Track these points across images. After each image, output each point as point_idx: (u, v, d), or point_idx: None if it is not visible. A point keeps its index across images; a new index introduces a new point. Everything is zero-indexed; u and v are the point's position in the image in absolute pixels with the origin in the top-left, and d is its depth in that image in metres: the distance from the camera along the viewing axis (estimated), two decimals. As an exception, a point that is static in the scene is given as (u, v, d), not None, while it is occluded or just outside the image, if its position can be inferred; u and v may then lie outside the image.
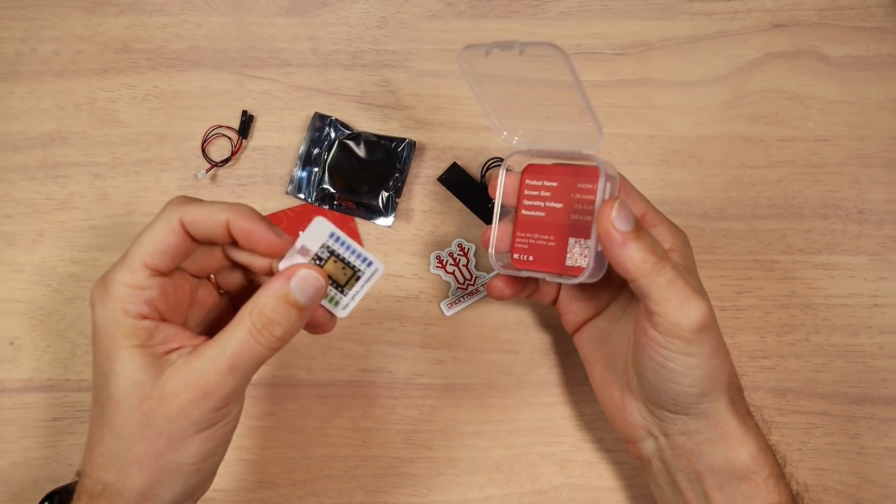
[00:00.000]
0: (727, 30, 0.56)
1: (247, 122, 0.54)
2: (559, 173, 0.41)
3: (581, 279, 0.39)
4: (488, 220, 0.53)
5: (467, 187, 0.53)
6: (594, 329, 0.45)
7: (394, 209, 0.53)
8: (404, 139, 0.53)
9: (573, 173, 0.41)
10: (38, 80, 0.55)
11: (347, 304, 0.38)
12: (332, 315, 0.38)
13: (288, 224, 0.53)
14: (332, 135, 0.53)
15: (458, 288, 0.51)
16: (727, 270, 0.52)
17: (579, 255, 0.40)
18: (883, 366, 0.51)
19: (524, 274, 0.42)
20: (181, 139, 0.54)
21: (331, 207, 0.53)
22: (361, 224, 0.53)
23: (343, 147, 0.53)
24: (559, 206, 0.41)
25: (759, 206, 0.53)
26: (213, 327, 0.39)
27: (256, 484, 0.49)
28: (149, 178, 0.53)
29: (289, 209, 0.53)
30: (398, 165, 0.53)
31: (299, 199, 0.53)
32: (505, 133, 0.43)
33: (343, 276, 0.38)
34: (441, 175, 0.53)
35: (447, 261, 0.52)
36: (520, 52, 0.36)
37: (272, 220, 0.52)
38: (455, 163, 0.53)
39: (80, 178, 0.53)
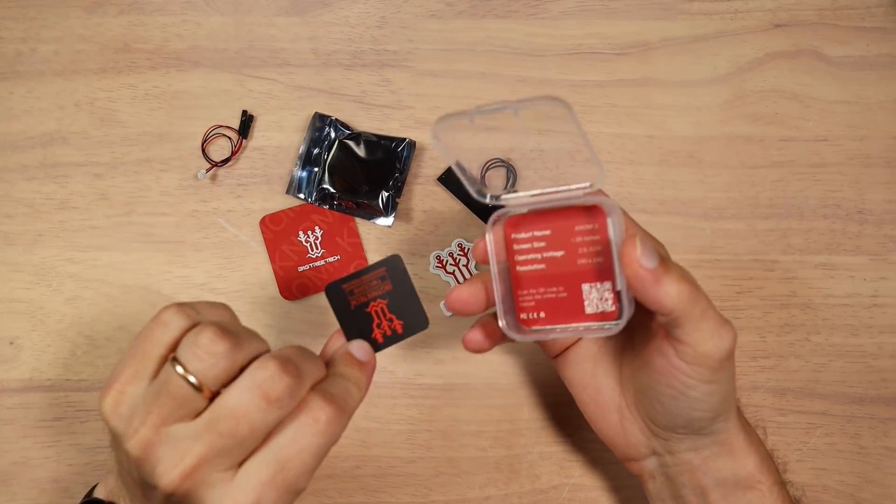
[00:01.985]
0: (727, 30, 0.56)
1: (247, 122, 0.54)
2: (549, 220, 0.38)
3: (623, 322, 0.35)
4: (487, 220, 0.53)
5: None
6: (579, 352, 0.43)
7: (394, 209, 0.53)
8: (404, 139, 0.53)
9: (565, 217, 0.37)
10: (38, 79, 0.55)
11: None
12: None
13: (288, 224, 0.53)
14: (332, 135, 0.53)
15: (458, 288, 0.51)
16: (727, 270, 0.52)
17: (599, 299, 0.37)
18: (883, 366, 0.51)
19: (551, 336, 0.38)
20: (181, 139, 0.54)
21: (331, 207, 0.53)
22: (361, 224, 0.53)
23: (343, 147, 0.53)
24: (560, 254, 0.38)
25: (759, 206, 0.53)
26: None
27: (256, 484, 0.49)
28: (149, 178, 0.53)
29: (289, 209, 0.53)
30: (398, 165, 0.53)
31: (299, 199, 0.53)
32: (489, 194, 0.39)
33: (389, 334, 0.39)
34: (441, 175, 0.53)
35: (447, 261, 0.52)
36: (515, 114, 0.33)
37: (272, 220, 0.52)
38: (457, 162, 0.53)
39: (80, 178, 0.53)
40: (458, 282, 0.52)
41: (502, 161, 0.53)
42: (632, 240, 0.34)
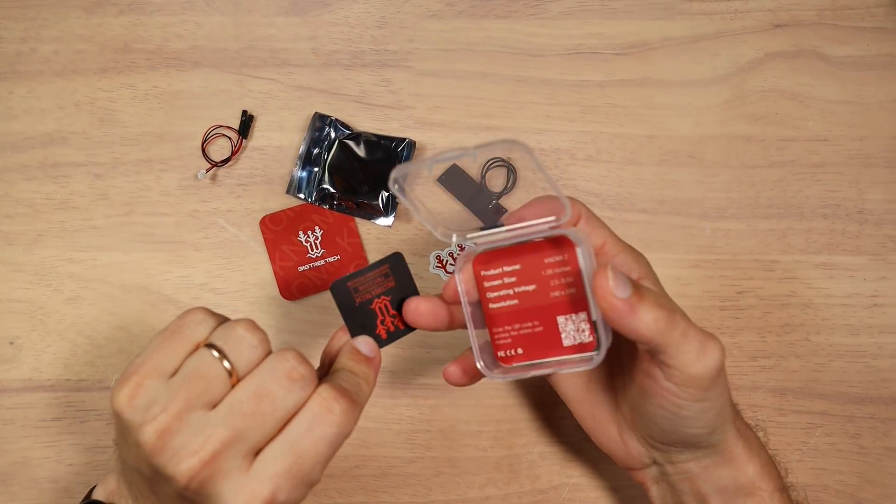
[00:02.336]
0: (727, 30, 0.56)
1: (247, 122, 0.54)
2: (517, 255, 0.37)
3: (602, 354, 0.35)
4: (488, 221, 0.53)
5: (467, 187, 0.53)
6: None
7: (394, 209, 0.53)
8: (404, 139, 0.53)
9: (534, 251, 0.37)
10: (38, 79, 0.55)
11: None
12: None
13: (288, 224, 0.53)
14: (332, 135, 0.53)
15: (458, 288, 0.51)
16: (727, 270, 0.52)
17: (575, 331, 0.37)
18: (883, 366, 0.51)
19: (530, 375, 0.37)
20: (181, 139, 0.54)
21: (331, 207, 0.53)
22: (361, 224, 0.53)
23: (343, 147, 0.53)
24: (532, 287, 0.37)
25: (759, 206, 0.53)
26: None
27: (256, 484, 0.49)
28: (149, 178, 0.53)
29: (289, 209, 0.53)
30: (398, 165, 0.53)
31: (299, 199, 0.53)
32: (454, 237, 0.38)
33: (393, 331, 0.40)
34: (441, 175, 0.53)
35: (447, 261, 0.52)
36: (473, 159, 0.33)
37: (272, 220, 0.53)
38: (455, 163, 0.54)
39: (80, 178, 0.53)
40: (458, 282, 0.51)
41: (502, 161, 0.53)
42: (603, 270, 0.33)
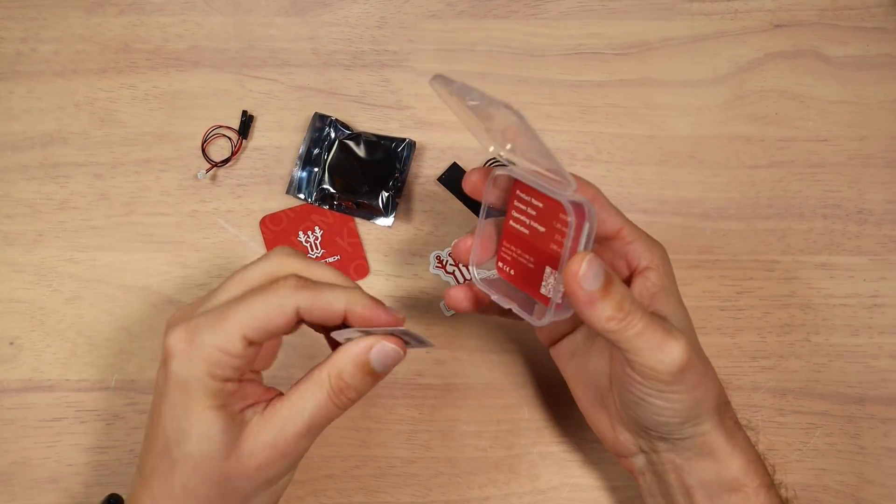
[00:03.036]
0: (727, 30, 0.56)
1: (247, 122, 0.54)
2: (545, 197, 0.38)
3: (543, 322, 0.37)
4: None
5: (467, 187, 0.53)
6: (571, 344, 0.44)
7: (394, 209, 0.53)
8: (404, 139, 0.53)
9: (557, 201, 0.38)
10: (38, 79, 0.55)
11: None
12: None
13: (288, 224, 0.53)
14: (332, 135, 0.53)
15: (458, 288, 0.51)
16: (727, 270, 0.52)
17: (554, 286, 0.38)
18: (883, 366, 0.51)
19: (494, 297, 0.40)
20: (181, 139, 0.54)
21: (331, 207, 0.53)
22: (361, 224, 0.53)
23: (343, 147, 0.53)
24: (542, 229, 0.39)
25: (759, 206, 0.53)
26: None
27: (256, 484, 0.49)
28: (149, 178, 0.53)
29: (289, 209, 0.53)
30: (398, 165, 0.53)
31: (299, 199, 0.53)
32: (492, 147, 0.40)
33: None
34: (441, 175, 0.53)
35: (447, 261, 0.52)
36: (479, 102, 0.34)
37: (272, 221, 0.52)
38: (455, 163, 0.54)
39: (80, 178, 0.53)
40: (458, 282, 0.52)
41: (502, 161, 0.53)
42: (580, 257, 0.34)
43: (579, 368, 0.43)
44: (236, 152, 0.54)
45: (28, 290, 0.52)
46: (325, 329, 0.38)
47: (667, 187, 0.53)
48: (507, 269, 0.41)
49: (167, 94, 0.55)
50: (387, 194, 0.52)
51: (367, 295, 0.37)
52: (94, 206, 0.53)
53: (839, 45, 0.55)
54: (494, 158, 0.53)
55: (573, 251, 0.36)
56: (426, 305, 0.52)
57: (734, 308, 0.52)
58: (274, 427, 0.35)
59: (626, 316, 0.35)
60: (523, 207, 0.40)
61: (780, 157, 0.54)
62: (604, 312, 0.34)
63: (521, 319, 0.40)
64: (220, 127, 0.54)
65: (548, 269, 0.39)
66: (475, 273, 0.41)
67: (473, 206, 0.53)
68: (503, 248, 0.41)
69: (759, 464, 0.40)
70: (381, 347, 0.36)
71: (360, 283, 0.49)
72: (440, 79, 0.35)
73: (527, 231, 0.40)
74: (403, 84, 0.55)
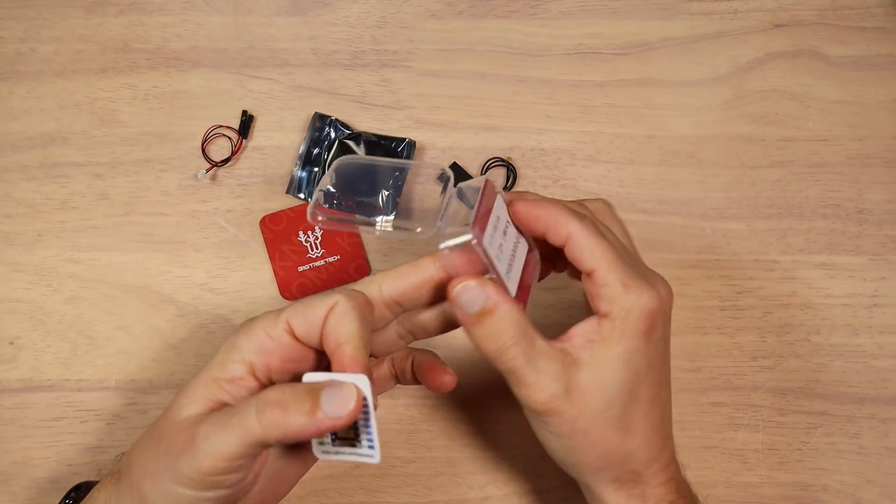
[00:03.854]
0: (727, 30, 0.56)
1: (247, 122, 0.54)
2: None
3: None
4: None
5: (467, 187, 0.53)
6: None
7: (394, 209, 0.53)
8: (404, 139, 0.53)
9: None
10: (38, 79, 0.55)
11: (322, 451, 0.35)
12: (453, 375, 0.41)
13: (288, 224, 0.53)
14: (332, 135, 0.53)
15: (458, 288, 0.51)
16: (727, 270, 0.52)
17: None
18: (883, 366, 0.51)
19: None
20: (181, 139, 0.54)
21: (331, 207, 0.53)
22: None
23: (343, 147, 0.53)
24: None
25: (759, 206, 0.53)
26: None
27: (256, 484, 0.49)
28: (149, 178, 0.53)
29: (289, 209, 0.53)
30: (398, 165, 0.53)
31: (299, 199, 0.53)
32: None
33: (346, 433, 0.35)
34: (441, 175, 0.53)
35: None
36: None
37: (272, 220, 0.52)
38: (455, 163, 0.53)
39: (80, 178, 0.53)
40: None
41: (502, 160, 0.53)
42: (456, 281, 0.35)
43: None
44: (236, 152, 0.54)
45: (28, 290, 0.52)
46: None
47: (667, 187, 0.53)
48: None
49: (167, 94, 0.55)
50: (387, 194, 0.52)
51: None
52: (94, 206, 0.53)
53: (839, 45, 0.55)
54: (498, 157, 0.53)
55: (477, 216, 0.34)
56: (426, 305, 0.52)
57: (734, 308, 0.52)
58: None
59: (498, 349, 0.35)
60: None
61: (780, 157, 0.54)
62: (478, 341, 0.35)
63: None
64: (220, 127, 0.54)
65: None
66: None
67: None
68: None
69: None
70: (338, 383, 0.33)
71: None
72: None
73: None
74: (403, 84, 0.55)
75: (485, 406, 0.51)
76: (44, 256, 0.52)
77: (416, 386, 0.43)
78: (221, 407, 0.34)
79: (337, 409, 0.32)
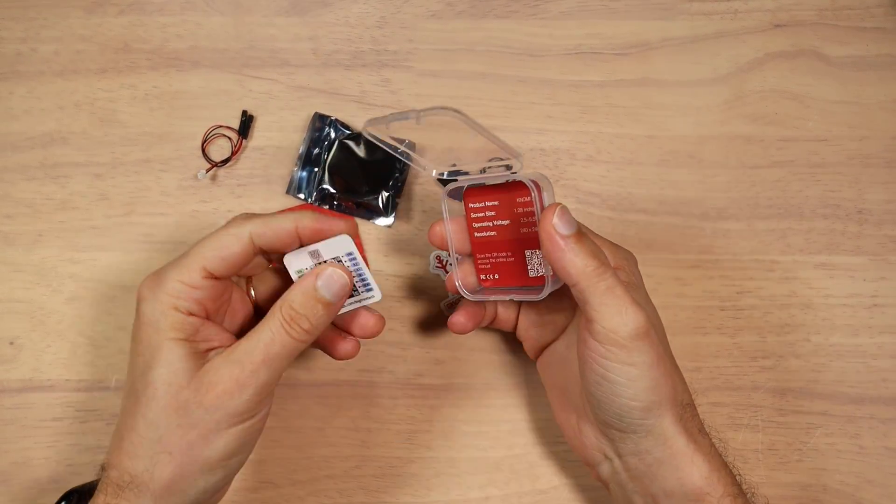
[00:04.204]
0: (727, 30, 0.56)
1: (247, 122, 0.54)
2: (496, 192, 0.42)
3: (547, 291, 0.39)
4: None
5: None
6: (552, 354, 0.45)
7: (394, 209, 0.53)
8: (404, 139, 0.53)
9: (508, 189, 0.41)
10: (38, 80, 0.55)
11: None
12: (380, 317, 0.42)
13: (288, 224, 0.53)
14: (332, 135, 0.53)
15: (458, 288, 0.52)
16: (727, 270, 0.52)
17: (539, 264, 0.41)
18: (883, 366, 0.51)
19: (491, 298, 0.42)
20: (181, 139, 0.54)
21: (331, 207, 0.53)
22: (361, 224, 0.53)
23: (343, 147, 0.53)
24: (506, 222, 0.41)
25: (759, 206, 0.53)
26: (242, 332, 0.41)
27: (257, 484, 0.49)
28: (149, 178, 0.53)
29: (289, 209, 0.53)
30: (398, 165, 0.53)
31: (299, 199, 0.53)
32: (434, 170, 0.44)
33: None
34: (441, 175, 0.53)
35: (447, 261, 0.52)
36: (417, 121, 0.37)
37: (272, 220, 0.53)
38: (455, 163, 0.53)
39: (80, 178, 0.53)
40: (458, 282, 0.52)
41: (502, 159, 0.53)
42: (553, 206, 0.36)
43: (557, 374, 0.44)
44: (236, 152, 0.54)
45: (28, 290, 0.52)
46: (281, 256, 0.40)
47: (667, 187, 0.53)
48: (491, 276, 0.43)
49: (167, 94, 0.55)
50: (387, 194, 0.52)
51: (316, 214, 0.39)
52: (94, 206, 0.53)
53: (839, 45, 0.55)
54: (498, 157, 0.53)
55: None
56: (426, 305, 0.52)
57: (734, 308, 0.52)
58: (232, 359, 0.36)
59: (600, 265, 0.36)
60: (481, 215, 0.42)
61: (780, 157, 0.54)
62: (578, 258, 0.36)
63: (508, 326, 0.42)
64: (220, 127, 0.54)
65: (528, 252, 0.41)
66: (467, 294, 0.43)
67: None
68: (479, 262, 0.43)
69: (724, 472, 0.39)
70: (326, 274, 0.38)
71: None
72: (371, 122, 0.39)
73: (494, 232, 0.42)
74: (403, 84, 0.55)
75: (485, 406, 0.51)
76: (44, 256, 0.52)
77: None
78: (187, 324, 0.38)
79: (336, 291, 0.38)
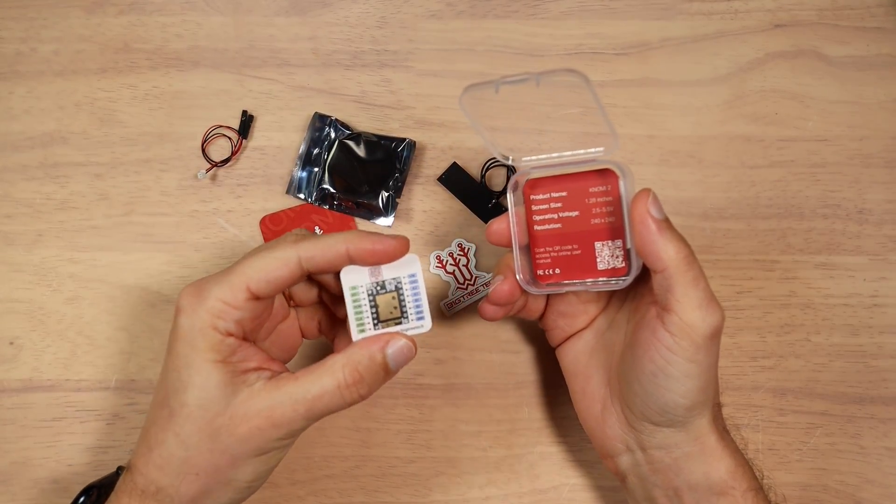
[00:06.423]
0: (727, 30, 0.56)
1: (247, 122, 0.54)
2: (564, 183, 0.41)
3: (630, 278, 0.38)
4: (488, 220, 0.53)
5: (467, 187, 0.53)
6: (579, 342, 0.45)
7: (394, 209, 0.53)
8: (404, 139, 0.53)
9: (580, 179, 0.40)
10: (38, 79, 0.55)
11: (365, 335, 0.38)
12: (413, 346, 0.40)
13: (288, 224, 0.53)
14: (332, 135, 0.53)
15: (458, 288, 0.52)
16: (727, 270, 0.52)
17: (610, 256, 0.40)
18: (883, 366, 0.51)
19: (564, 290, 0.41)
20: (181, 139, 0.54)
21: (331, 207, 0.53)
22: (361, 224, 0.53)
23: (343, 147, 0.53)
24: (575, 213, 0.41)
25: (759, 206, 0.53)
26: (278, 338, 0.41)
27: (256, 484, 0.49)
28: (149, 178, 0.53)
29: (289, 209, 0.53)
30: (398, 165, 0.53)
31: (299, 199, 0.53)
32: (511, 157, 0.42)
33: (389, 313, 0.38)
34: (441, 175, 0.53)
35: (447, 261, 0.52)
36: (536, 83, 0.35)
37: (272, 221, 0.52)
38: (455, 163, 0.54)
39: (80, 178, 0.53)
40: (459, 282, 0.52)
41: (502, 160, 0.53)
42: (645, 191, 0.36)
43: (582, 364, 0.44)
44: (236, 152, 0.54)
45: (28, 290, 0.52)
46: (335, 274, 0.39)
47: (667, 187, 0.53)
48: (551, 271, 0.42)
49: (167, 94, 0.55)
50: (387, 194, 0.52)
51: (367, 232, 0.38)
52: (94, 206, 0.53)
53: (839, 45, 0.55)
54: (493, 160, 0.53)
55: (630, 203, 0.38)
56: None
57: (734, 308, 0.52)
58: (275, 398, 0.35)
59: (691, 254, 0.36)
60: (545, 206, 0.41)
61: (780, 157, 0.54)
62: (671, 244, 0.36)
63: (524, 319, 0.41)
64: (220, 127, 0.54)
65: (598, 245, 0.40)
66: (534, 290, 0.42)
67: (473, 205, 0.53)
68: (538, 256, 0.42)
69: (747, 468, 0.40)
70: (398, 346, 0.37)
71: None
72: (473, 87, 0.37)
73: (559, 224, 0.41)
74: (403, 84, 0.55)
75: (485, 406, 0.51)
76: (44, 256, 0.52)
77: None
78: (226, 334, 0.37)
79: (401, 362, 0.37)
